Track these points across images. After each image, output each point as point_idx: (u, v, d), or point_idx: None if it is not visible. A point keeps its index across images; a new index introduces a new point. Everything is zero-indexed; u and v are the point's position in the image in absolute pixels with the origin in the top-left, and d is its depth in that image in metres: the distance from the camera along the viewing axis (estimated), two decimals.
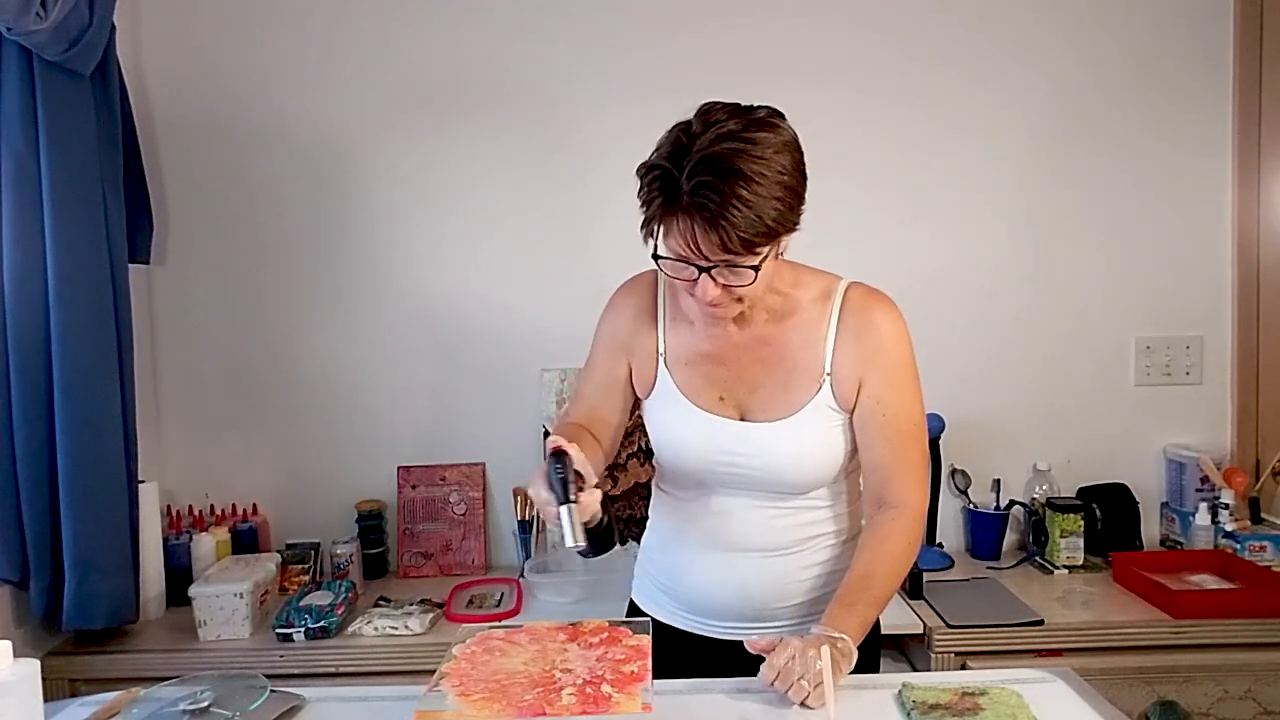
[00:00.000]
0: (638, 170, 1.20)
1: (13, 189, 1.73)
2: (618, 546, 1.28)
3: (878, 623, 1.42)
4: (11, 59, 1.71)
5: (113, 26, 1.87)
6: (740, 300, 1.24)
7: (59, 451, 1.78)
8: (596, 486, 1.22)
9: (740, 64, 2.24)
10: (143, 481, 1.96)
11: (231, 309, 2.32)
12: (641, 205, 1.20)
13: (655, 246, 1.21)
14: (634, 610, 1.51)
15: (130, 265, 1.99)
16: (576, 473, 1.18)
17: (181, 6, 2.25)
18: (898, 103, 2.28)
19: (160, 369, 2.31)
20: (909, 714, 1.16)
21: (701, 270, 1.18)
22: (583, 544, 1.15)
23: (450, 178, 2.30)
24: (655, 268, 1.27)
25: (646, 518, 1.54)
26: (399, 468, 2.32)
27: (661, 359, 1.38)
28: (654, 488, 1.51)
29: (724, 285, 1.20)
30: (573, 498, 1.15)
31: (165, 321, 2.31)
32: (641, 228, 1.21)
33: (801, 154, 1.21)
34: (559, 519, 1.14)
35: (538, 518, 2.28)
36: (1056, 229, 2.32)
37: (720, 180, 1.12)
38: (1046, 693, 1.23)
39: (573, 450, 1.19)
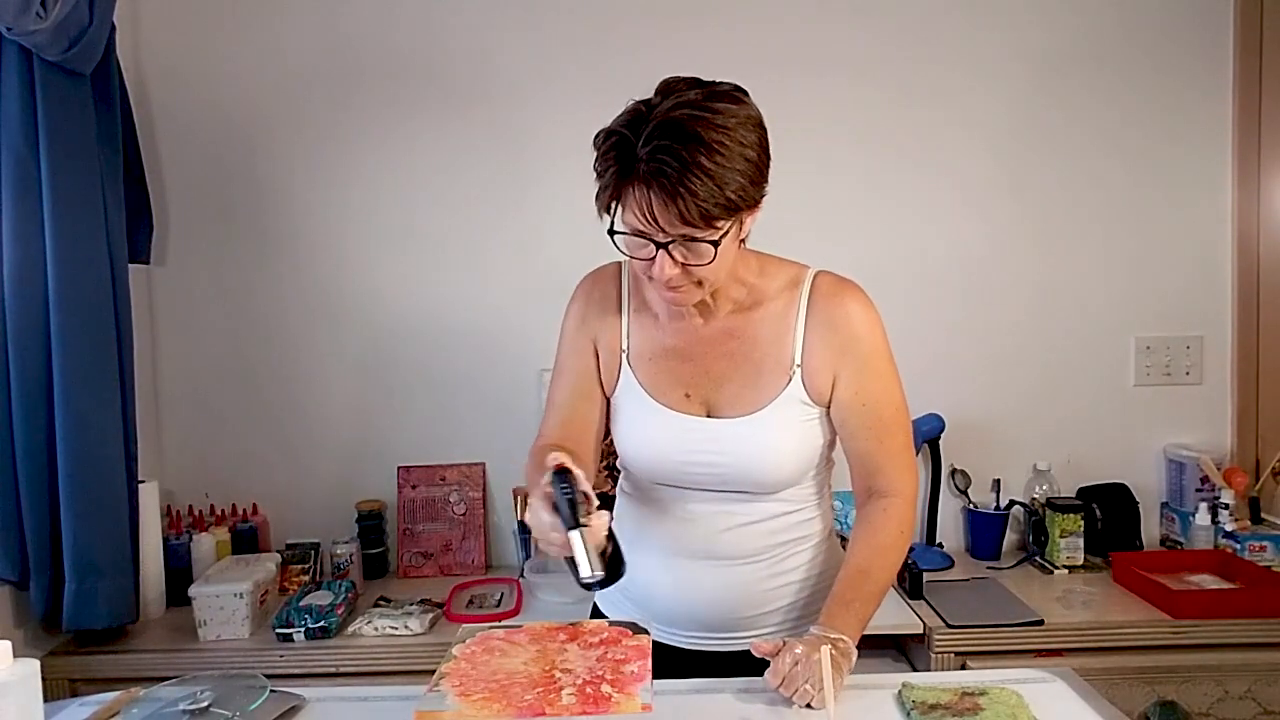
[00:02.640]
0: (595, 139, 1.15)
1: (13, 189, 1.73)
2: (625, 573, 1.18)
3: None
4: (11, 59, 1.71)
5: (113, 26, 1.87)
6: (700, 285, 1.19)
7: (59, 451, 1.78)
8: (600, 509, 1.14)
9: (731, 60, 2.22)
10: (143, 481, 1.96)
11: (231, 309, 2.32)
12: (597, 176, 1.15)
13: (612, 222, 1.16)
14: (596, 614, 1.46)
15: (130, 265, 1.99)
16: (584, 493, 1.07)
17: (181, 6, 2.25)
18: (896, 102, 2.28)
19: (160, 369, 2.31)
20: (909, 714, 1.16)
21: (659, 246, 1.13)
22: (601, 574, 1.03)
23: (451, 177, 2.30)
24: (620, 258, 1.24)
25: None
26: (399, 468, 2.32)
27: (625, 355, 1.33)
28: (619, 491, 1.46)
29: (682, 264, 1.15)
30: (584, 521, 1.04)
31: (165, 321, 2.31)
32: (596, 200, 1.15)
33: (764, 131, 1.16)
34: (569, 546, 1.05)
35: None
36: (1056, 229, 2.32)
37: (680, 146, 1.07)
38: (1046, 693, 1.23)
39: (577, 469, 1.10)
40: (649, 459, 1.32)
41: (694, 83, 1.14)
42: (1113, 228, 2.32)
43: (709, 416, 1.29)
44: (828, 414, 1.31)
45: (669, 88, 1.14)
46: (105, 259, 1.85)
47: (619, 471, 2.13)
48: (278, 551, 2.19)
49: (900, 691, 1.21)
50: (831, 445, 1.34)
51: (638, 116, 1.12)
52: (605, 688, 1.07)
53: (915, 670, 1.88)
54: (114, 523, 1.85)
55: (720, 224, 1.12)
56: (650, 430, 1.31)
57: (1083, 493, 2.28)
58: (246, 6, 2.26)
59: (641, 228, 1.13)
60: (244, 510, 2.28)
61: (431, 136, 2.29)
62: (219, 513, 2.26)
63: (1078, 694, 1.23)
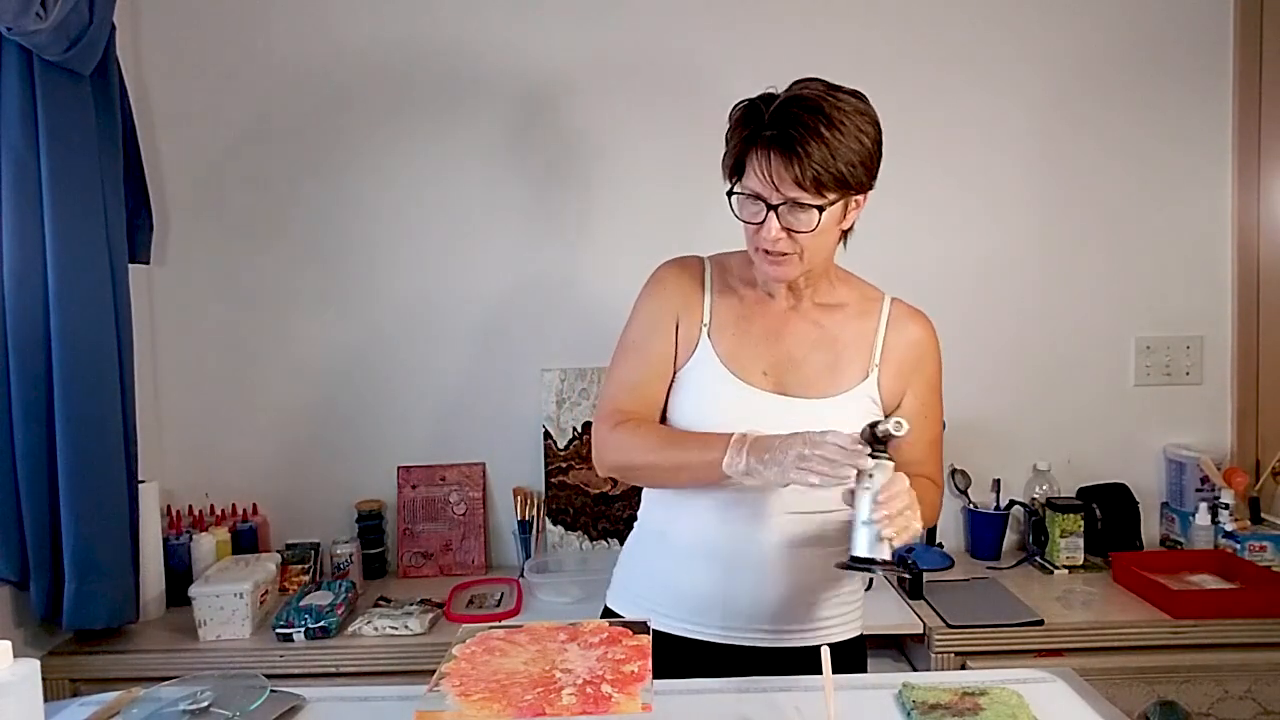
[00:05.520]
0: (729, 115, 1.28)
1: (13, 189, 1.73)
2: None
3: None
4: (11, 59, 1.71)
5: (113, 26, 1.87)
6: (800, 258, 1.28)
7: (59, 451, 1.78)
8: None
9: (746, 63, 2.24)
10: (143, 481, 1.96)
11: (231, 309, 2.31)
12: (727, 143, 1.28)
13: (731, 186, 1.28)
14: (609, 616, 1.47)
15: (130, 265, 1.99)
16: None
17: (181, 6, 2.25)
18: (897, 102, 2.27)
19: (160, 369, 2.31)
20: (909, 714, 1.16)
21: (770, 208, 1.23)
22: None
23: (450, 177, 2.30)
24: (699, 253, 1.41)
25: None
26: (399, 468, 2.32)
27: (705, 328, 1.38)
28: None
29: (787, 230, 1.24)
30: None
31: (165, 321, 2.31)
32: (724, 163, 1.29)
33: (880, 131, 1.27)
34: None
35: (538, 517, 2.28)
36: (1057, 229, 2.32)
37: (804, 113, 1.20)
38: (1046, 693, 1.23)
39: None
40: (716, 430, 1.30)
41: (821, 81, 1.27)
42: (1113, 228, 2.32)
43: (783, 395, 1.35)
44: None
45: (801, 80, 1.27)
46: (105, 259, 1.85)
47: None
48: (278, 551, 2.19)
49: (900, 691, 1.21)
50: None
51: (769, 95, 1.25)
52: (605, 688, 1.07)
53: (915, 670, 1.88)
54: (114, 523, 1.85)
55: (827, 193, 1.23)
56: (721, 401, 1.34)
57: (1083, 493, 2.28)
58: (246, 6, 2.26)
59: (758, 189, 1.24)
60: (244, 510, 2.28)
61: (430, 137, 2.29)
62: (219, 513, 2.26)
63: (1078, 694, 1.23)
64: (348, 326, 2.33)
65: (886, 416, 1.25)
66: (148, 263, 2.16)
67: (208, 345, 2.32)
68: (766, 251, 1.28)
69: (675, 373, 1.39)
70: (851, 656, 1.41)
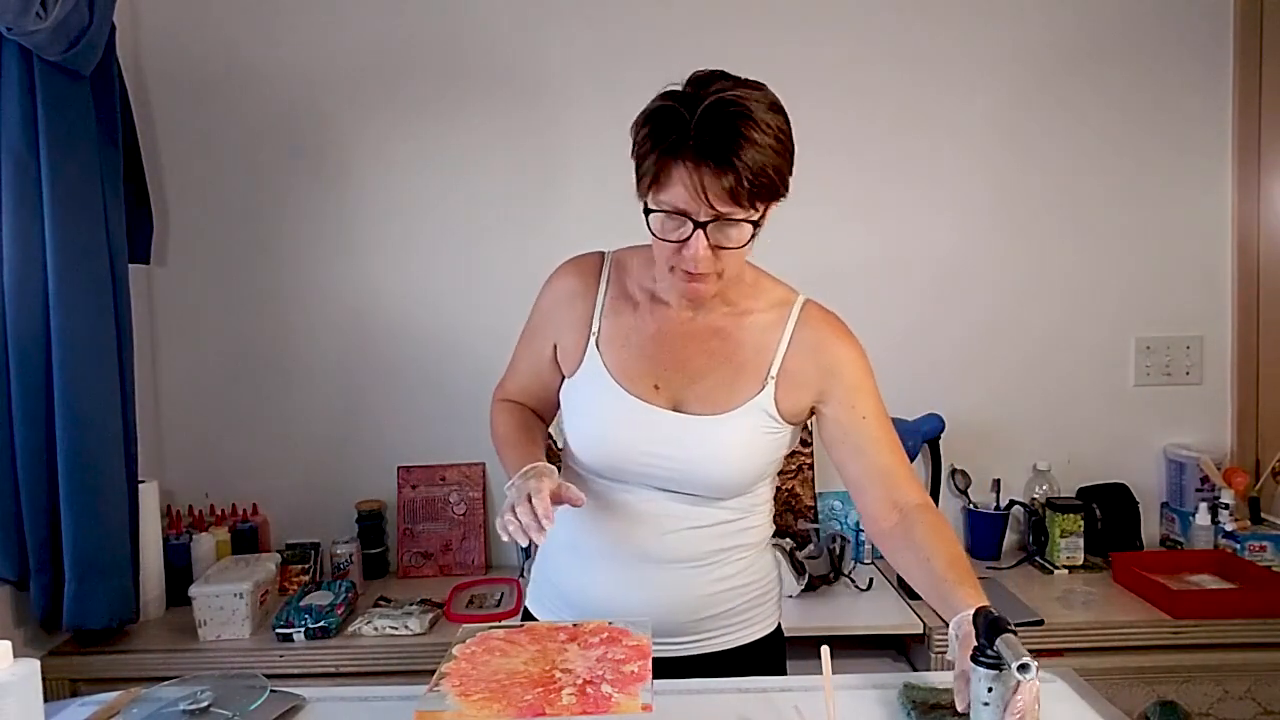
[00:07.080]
0: (637, 120, 1.15)
1: (13, 189, 1.73)
2: None
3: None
4: (11, 59, 1.71)
5: (113, 26, 1.87)
6: (720, 276, 1.19)
7: (59, 451, 1.78)
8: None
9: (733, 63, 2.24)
10: (143, 481, 1.97)
11: (231, 309, 2.32)
12: (640, 154, 1.14)
13: (646, 201, 1.16)
14: (527, 618, 1.44)
15: (130, 265, 1.99)
16: None
17: (181, 6, 2.25)
18: (898, 102, 2.28)
19: (160, 369, 2.31)
20: (909, 714, 1.16)
21: (697, 225, 1.13)
22: None
23: (450, 179, 2.30)
24: (605, 249, 1.34)
25: None
26: (399, 468, 2.32)
27: (593, 338, 1.31)
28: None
29: (714, 246, 1.14)
30: None
31: (165, 321, 2.31)
32: (639, 178, 1.15)
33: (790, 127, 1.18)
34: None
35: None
36: (1057, 229, 2.32)
37: (737, 122, 1.09)
38: (1046, 693, 1.21)
39: None
40: (607, 449, 1.30)
41: (723, 74, 1.16)
42: (1113, 228, 2.32)
43: (675, 412, 1.28)
44: (799, 430, 1.33)
45: (705, 77, 1.14)
46: (105, 259, 1.85)
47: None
48: (278, 551, 2.19)
49: (900, 691, 1.21)
50: (779, 462, 1.34)
51: (687, 96, 1.12)
52: (605, 688, 1.07)
53: (915, 670, 1.88)
54: (114, 523, 1.85)
55: (759, 205, 1.14)
56: (610, 417, 1.29)
57: (1083, 493, 2.28)
58: (247, 6, 2.26)
59: (684, 205, 1.12)
60: (244, 510, 2.28)
61: (431, 138, 2.29)
62: (219, 513, 2.26)
63: (1078, 694, 1.23)
64: (347, 326, 2.33)
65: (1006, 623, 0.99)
66: (148, 263, 2.17)
67: (208, 345, 2.32)
68: (686, 271, 1.17)
69: (566, 379, 1.35)
70: (766, 655, 1.37)
